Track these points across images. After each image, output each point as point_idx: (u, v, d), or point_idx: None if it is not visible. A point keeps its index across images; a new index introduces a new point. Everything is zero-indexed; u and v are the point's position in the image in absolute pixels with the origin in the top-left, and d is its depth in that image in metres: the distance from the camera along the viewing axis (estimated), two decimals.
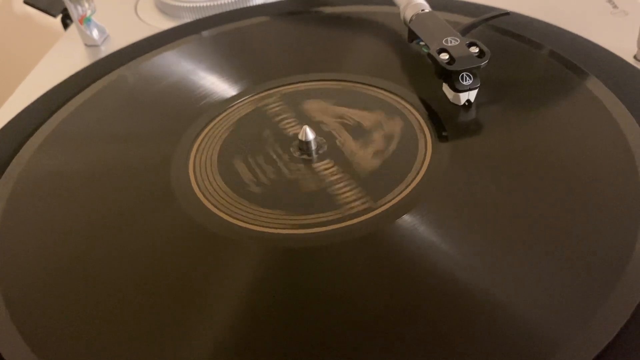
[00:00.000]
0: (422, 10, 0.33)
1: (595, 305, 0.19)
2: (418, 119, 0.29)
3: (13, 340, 0.21)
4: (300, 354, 0.19)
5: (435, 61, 0.28)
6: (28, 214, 0.27)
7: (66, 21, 0.48)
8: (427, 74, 0.30)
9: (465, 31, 0.31)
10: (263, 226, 0.24)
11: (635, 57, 0.33)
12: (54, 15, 0.47)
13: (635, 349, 0.18)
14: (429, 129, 0.28)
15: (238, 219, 0.25)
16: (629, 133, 0.26)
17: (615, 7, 0.39)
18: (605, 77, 0.30)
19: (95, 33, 0.43)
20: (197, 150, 0.29)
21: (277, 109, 0.31)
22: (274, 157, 0.28)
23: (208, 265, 0.23)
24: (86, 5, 0.41)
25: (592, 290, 0.20)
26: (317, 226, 0.24)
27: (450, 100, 0.29)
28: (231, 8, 0.44)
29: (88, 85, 0.36)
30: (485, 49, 0.28)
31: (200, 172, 0.28)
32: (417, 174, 0.26)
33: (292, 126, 0.30)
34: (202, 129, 0.31)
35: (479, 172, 0.26)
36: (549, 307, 0.19)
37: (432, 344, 0.19)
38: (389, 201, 0.24)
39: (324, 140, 0.28)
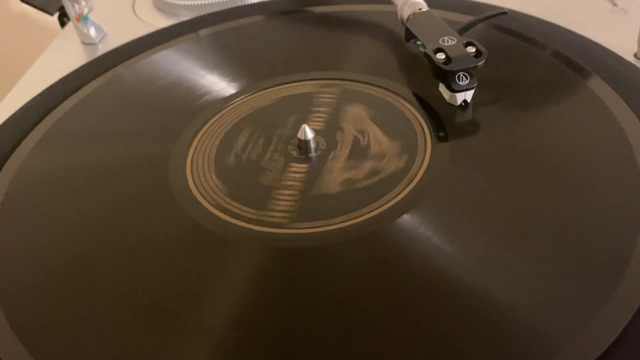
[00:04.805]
0: (420, 9, 0.33)
1: (597, 305, 0.19)
2: (418, 118, 0.29)
3: (7, 339, 0.21)
4: (299, 355, 0.19)
5: (431, 61, 0.28)
6: (25, 211, 0.27)
7: (63, 19, 0.48)
8: (427, 73, 0.30)
9: (462, 30, 0.31)
10: (262, 226, 0.24)
11: (635, 55, 0.33)
12: (51, 14, 0.47)
13: (638, 349, 0.18)
14: (428, 129, 0.28)
15: (235, 218, 0.25)
16: (630, 131, 0.26)
17: (615, 5, 0.38)
18: (605, 75, 0.29)
19: (92, 31, 0.42)
20: (195, 148, 0.29)
21: (326, 100, 0.31)
22: (273, 142, 0.28)
23: (205, 264, 0.23)
24: (83, 3, 0.41)
25: (594, 290, 0.20)
26: (233, 217, 0.25)
27: (447, 100, 0.29)
28: (229, 6, 0.44)
29: (85, 83, 0.36)
30: (482, 48, 0.28)
31: (198, 170, 0.28)
32: (417, 174, 0.26)
33: (317, 122, 0.30)
34: (200, 128, 0.31)
35: (479, 171, 0.26)
36: (550, 307, 0.19)
37: (432, 344, 0.19)
38: (380, 206, 0.24)
39: (324, 145, 0.28)
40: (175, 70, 0.36)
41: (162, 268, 0.23)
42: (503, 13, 0.32)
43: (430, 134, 0.28)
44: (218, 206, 0.26)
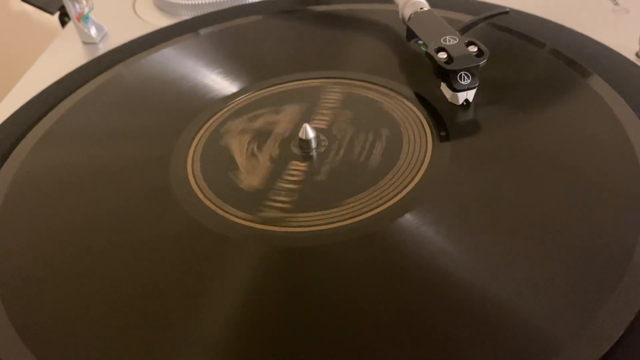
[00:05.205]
0: (421, 8, 0.32)
1: (598, 306, 0.19)
2: (419, 117, 0.29)
3: (9, 337, 0.21)
4: (300, 354, 0.19)
5: (433, 60, 0.28)
6: (25, 210, 0.27)
7: (64, 19, 0.48)
8: (428, 72, 0.30)
9: (464, 30, 0.31)
10: (262, 224, 0.24)
11: (637, 54, 0.33)
12: (52, 13, 0.47)
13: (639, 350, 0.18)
14: (430, 128, 0.28)
15: (237, 217, 0.25)
16: (631, 131, 0.26)
17: (616, 4, 0.38)
18: (607, 74, 0.29)
19: (93, 31, 0.42)
20: (196, 147, 0.29)
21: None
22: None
23: (205, 263, 0.23)
24: (84, 2, 0.41)
25: (595, 290, 0.20)
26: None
27: (448, 99, 0.29)
28: (229, 5, 0.44)
29: (86, 82, 0.36)
30: (484, 48, 0.28)
31: (199, 169, 0.28)
32: (418, 173, 0.26)
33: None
34: (201, 127, 0.31)
35: (480, 171, 0.26)
36: (551, 307, 0.19)
37: (433, 344, 0.19)
38: (381, 205, 0.24)
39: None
40: (176, 69, 0.36)
41: (164, 267, 0.23)
42: (504, 12, 0.32)
43: (432, 133, 0.28)
44: (219, 205, 0.26)
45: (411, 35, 0.33)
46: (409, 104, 0.30)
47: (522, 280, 0.20)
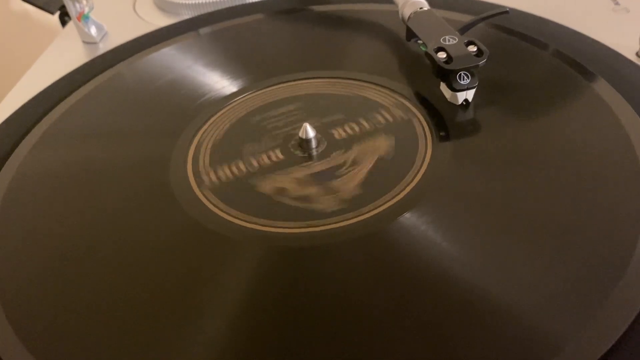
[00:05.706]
0: (421, 8, 0.33)
1: (599, 305, 0.19)
2: (419, 117, 0.29)
3: (7, 338, 0.21)
4: (300, 354, 0.19)
5: (432, 60, 0.28)
6: (25, 210, 0.27)
7: (64, 18, 0.48)
8: (428, 72, 0.30)
9: (464, 29, 0.31)
10: (262, 225, 0.24)
11: (637, 54, 0.33)
12: (52, 12, 0.47)
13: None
14: (429, 128, 0.28)
15: (237, 218, 0.25)
16: (632, 130, 0.26)
17: (617, 4, 0.38)
18: (607, 74, 0.29)
19: (93, 30, 0.43)
20: (196, 147, 0.29)
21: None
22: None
23: (206, 264, 0.23)
24: (84, 2, 0.41)
25: (595, 290, 0.20)
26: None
27: (448, 99, 0.29)
28: (229, 5, 0.44)
29: (86, 82, 0.36)
30: (483, 48, 0.28)
31: (199, 169, 0.28)
32: (417, 173, 0.26)
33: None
34: (201, 126, 0.31)
35: (480, 171, 0.26)
36: (551, 307, 0.19)
37: (433, 344, 0.19)
38: (381, 205, 0.24)
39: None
40: (176, 69, 0.36)
41: (164, 267, 0.23)
42: (504, 12, 0.32)
43: (432, 133, 0.28)
44: (219, 205, 0.26)
45: (411, 35, 0.33)
46: (409, 104, 0.30)
47: (522, 280, 0.20)
